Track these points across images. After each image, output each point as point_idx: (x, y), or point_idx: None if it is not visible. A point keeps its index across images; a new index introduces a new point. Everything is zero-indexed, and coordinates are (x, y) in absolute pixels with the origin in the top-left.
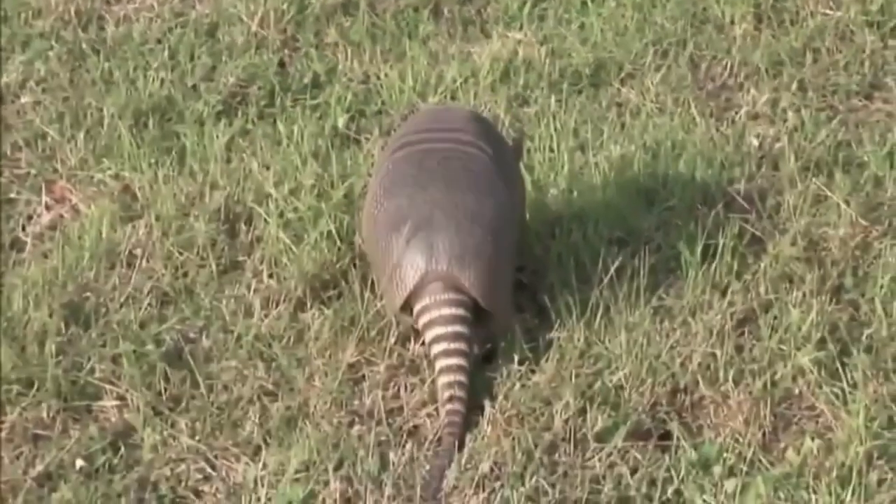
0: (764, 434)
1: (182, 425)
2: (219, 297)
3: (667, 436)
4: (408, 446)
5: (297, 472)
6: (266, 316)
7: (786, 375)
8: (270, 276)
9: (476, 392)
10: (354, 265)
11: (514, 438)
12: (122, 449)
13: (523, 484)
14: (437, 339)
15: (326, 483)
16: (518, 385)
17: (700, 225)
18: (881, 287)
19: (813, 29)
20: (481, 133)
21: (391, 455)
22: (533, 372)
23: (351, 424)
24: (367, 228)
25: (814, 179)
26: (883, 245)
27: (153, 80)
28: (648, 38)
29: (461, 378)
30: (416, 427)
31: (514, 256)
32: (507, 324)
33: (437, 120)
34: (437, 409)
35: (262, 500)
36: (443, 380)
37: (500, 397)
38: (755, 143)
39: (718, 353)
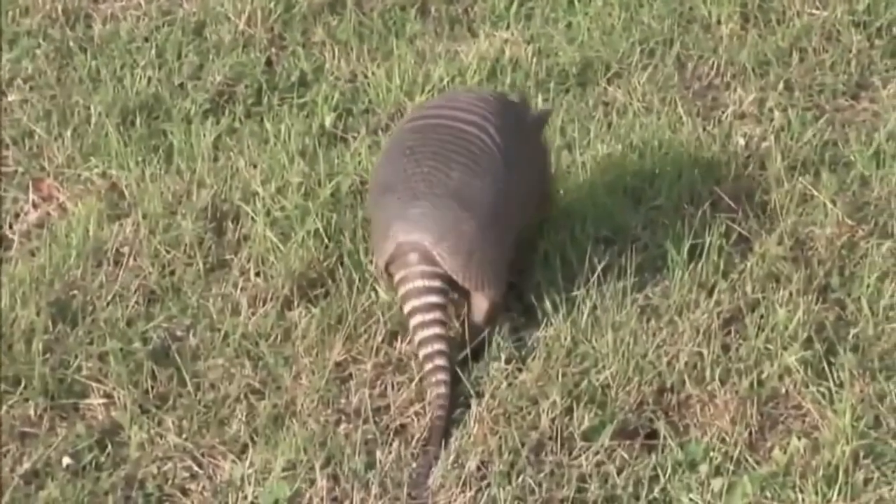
0: (750, 433)
1: (169, 423)
2: (206, 296)
3: (653, 435)
4: (395, 445)
5: (283, 470)
6: (253, 314)
7: (772, 375)
8: (257, 274)
9: (463, 391)
10: (341, 263)
11: (500, 437)
12: (109, 447)
13: (510, 483)
14: (413, 312)
15: (313, 481)
16: (505, 383)
17: (687, 224)
18: (867, 286)
19: (799, 29)
20: (492, 116)
21: (378, 453)
22: (520, 370)
23: (338, 423)
24: (369, 187)
25: (800, 179)
26: (869, 244)
27: (140, 78)
28: (635, 38)
29: (440, 347)
30: (402, 426)
31: (509, 240)
32: (491, 306)
33: (454, 100)
34: (424, 408)
35: (249, 498)
36: (422, 352)
37: (487, 396)
38: (742, 142)
39: (705, 352)
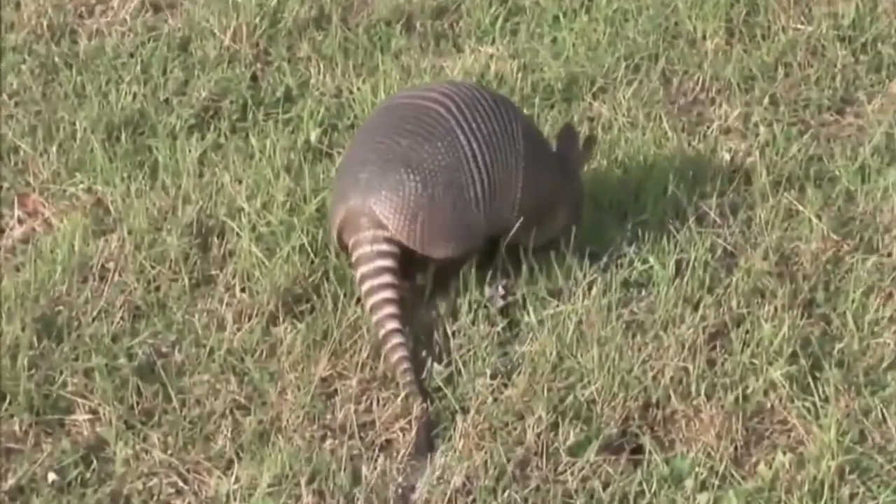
0: (736, 448)
1: (154, 439)
2: (191, 311)
3: (639, 450)
4: (380, 460)
5: (269, 486)
6: (238, 330)
7: (758, 390)
8: (243, 290)
9: (448, 405)
10: (327, 279)
11: (486, 452)
12: (95, 463)
13: (496, 498)
14: (363, 278)
15: (299, 497)
16: (490, 399)
17: (672, 239)
18: (853, 301)
19: (784, 44)
20: (460, 96)
21: (363, 469)
22: (505, 386)
23: (323, 438)
24: None
25: (785, 194)
26: (854, 259)
27: (126, 93)
28: (620, 53)
29: (391, 310)
30: (388, 441)
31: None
32: (442, 268)
33: (429, 86)
34: (409, 423)
35: None
36: (374, 317)
37: (473, 411)
38: (727, 157)
39: (690, 367)
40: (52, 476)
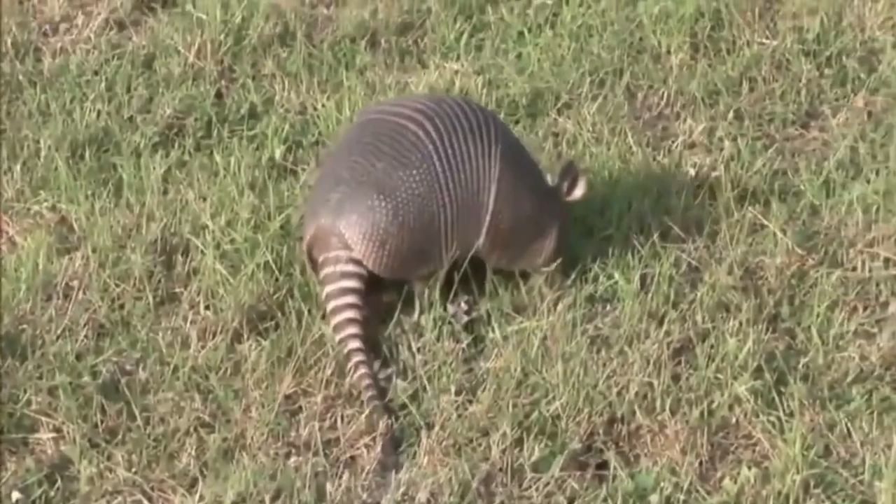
0: (701, 463)
1: (118, 457)
2: (155, 329)
3: (604, 465)
4: (345, 477)
5: (233, 503)
6: (203, 347)
7: (722, 404)
8: (207, 307)
9: (413, 422)
10: (291, 296)
11: (451, 469)
12: (59, 481)
13: None
14: (328, 297)
15: None
16: (455, 415)
17: (637, 254)
18: (817, 315)
19: (749, 58)
20: (437, 115)
21: (328, 486)
22: (470, 402)
23: (288, 456)
24: None
25: (750, 208)
26: (819, 273)
27: (90, 111)
28: (585, 68)
29: (352, 331)
30: (352, 458)
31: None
32: (419, 292)
33: (405, 99)
34: (374, 440)
35: None
36: (337, 336)
37: (437, 427)
38: (692, 171)
39: (655, 382)
40: (16, 495)
